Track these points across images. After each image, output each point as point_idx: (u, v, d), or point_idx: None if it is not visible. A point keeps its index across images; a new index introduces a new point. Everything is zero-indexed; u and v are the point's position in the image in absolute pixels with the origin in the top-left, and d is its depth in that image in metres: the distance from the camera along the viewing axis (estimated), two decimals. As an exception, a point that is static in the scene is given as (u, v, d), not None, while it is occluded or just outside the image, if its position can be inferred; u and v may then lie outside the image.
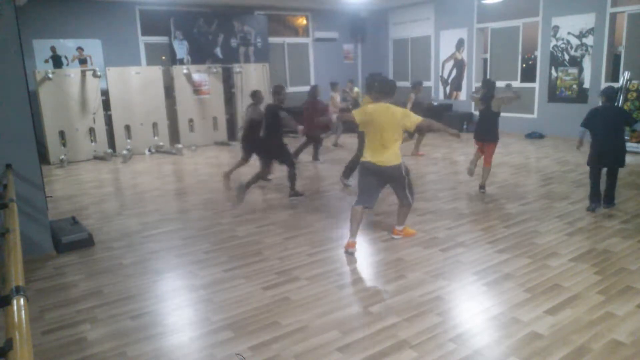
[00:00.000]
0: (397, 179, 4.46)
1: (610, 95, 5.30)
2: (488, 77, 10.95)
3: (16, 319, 1.59)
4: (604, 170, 5.39)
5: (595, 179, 5.34)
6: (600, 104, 5.53)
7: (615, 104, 5.31)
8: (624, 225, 4.83)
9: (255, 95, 6.46)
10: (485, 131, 6.14)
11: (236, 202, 6.07)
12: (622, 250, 4.20)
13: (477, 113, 11.89)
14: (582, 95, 9.84)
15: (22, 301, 1.70)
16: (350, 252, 4.39)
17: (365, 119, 4.40)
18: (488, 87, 6.15)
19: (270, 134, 6.22)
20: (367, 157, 4.42)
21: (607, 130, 5.16)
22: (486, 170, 6.21)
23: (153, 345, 2.99)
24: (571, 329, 2.98)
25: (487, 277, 3.76)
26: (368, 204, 4.47)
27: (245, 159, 6.83)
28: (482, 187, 6.25)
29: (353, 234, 4.44)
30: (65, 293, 3.80)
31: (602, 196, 5.39)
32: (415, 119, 4.30)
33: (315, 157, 8.80)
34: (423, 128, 4.75)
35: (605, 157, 5.25)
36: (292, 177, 6.28)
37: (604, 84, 9.46)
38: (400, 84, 8.98)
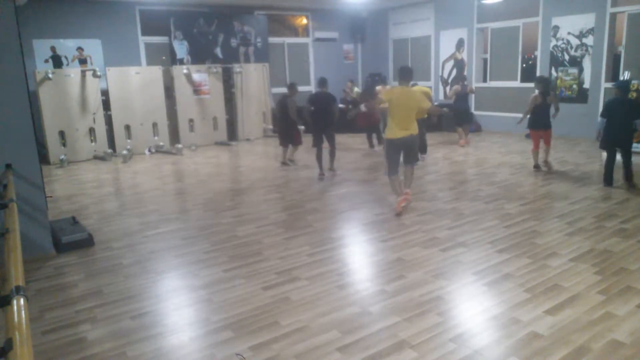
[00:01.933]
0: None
1: (625, 88, 6.13)
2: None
3: (16, 319, 1.59)
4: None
5: (611, 162, 6.24)
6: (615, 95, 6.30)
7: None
8: (624, 225, 4.83)
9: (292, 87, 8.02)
10: (547, 120, 7.21)
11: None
12: (622, 250, 4.20)
13: (475, 113, 11.98)
14: (582, 95, 9.84)
15: (22, 301, 1.70)
16: (403, 206, 5.47)
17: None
18: (545, 83, 7.27)
19: (327, 119, 7.34)
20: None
21: (624, 120, 6.01)
22: (548, 150, 7.35)
23: (153, 345, 2.99)
24: (571, 329, 2.98)
25: (487, 277, 3.76)
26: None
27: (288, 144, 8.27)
28: (546, 162, 7.30)
29: (399, 193, 5.51)
30: (65, 293, 3.80)
31: (624, 175, 6.18)
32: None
33: (371, 145, 9.86)
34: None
35: (619, 142, 6.15)
36: (333, 153, 7.64)
37: (604, 84, 9.47)
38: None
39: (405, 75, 5.49)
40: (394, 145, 5.41)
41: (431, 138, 10.20)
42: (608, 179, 6.27)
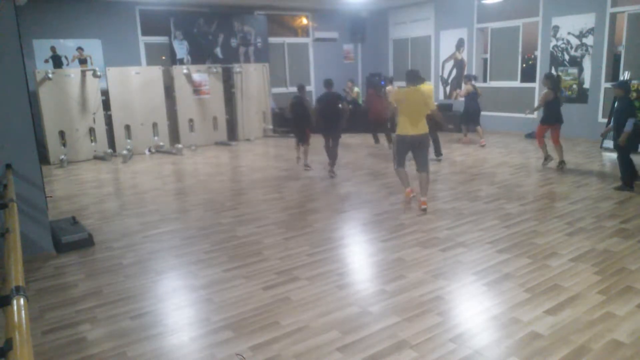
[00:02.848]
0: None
1: (628, 87, 6.24)
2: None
3: (16, 319, 1.59)
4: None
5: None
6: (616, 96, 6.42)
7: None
8: (624, 225, 4.83)
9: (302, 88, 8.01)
10: (559, 115, 7.30)
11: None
12: (622, 250, 4.20)
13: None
14: (582, 95, 9.84)
15: (22, 301, 1.70)
16: (412, 197, 5.72)
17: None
18: (553, 79, 7.39)
19: (336, 118, 7.52)
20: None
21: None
22: (560, 149, 7.40)
23: (153, 345, 2.99)
24: (571, 329, 2.98)
25: (487, 277, 3.76)
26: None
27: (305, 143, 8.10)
28: (562, 162, 7.37)
29: (407, 185, 5.76)
30: (65, 293, 3.80)
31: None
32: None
33: (376, 140, 10.28)
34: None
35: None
36: (335, 155, 7.66)
37: (604, 84, 9.47)
38: (400, 83, 9.01)
39: (413, 77, 5.69)
40: (404, 142, 5.55)
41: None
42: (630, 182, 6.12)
